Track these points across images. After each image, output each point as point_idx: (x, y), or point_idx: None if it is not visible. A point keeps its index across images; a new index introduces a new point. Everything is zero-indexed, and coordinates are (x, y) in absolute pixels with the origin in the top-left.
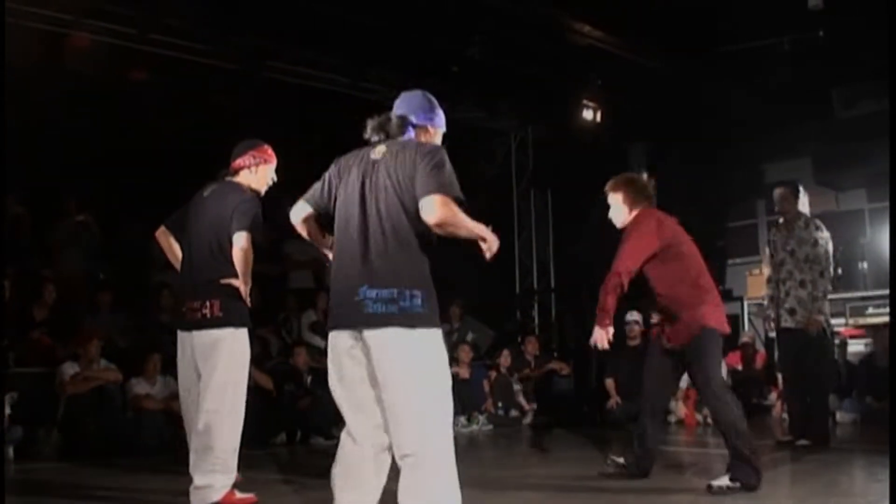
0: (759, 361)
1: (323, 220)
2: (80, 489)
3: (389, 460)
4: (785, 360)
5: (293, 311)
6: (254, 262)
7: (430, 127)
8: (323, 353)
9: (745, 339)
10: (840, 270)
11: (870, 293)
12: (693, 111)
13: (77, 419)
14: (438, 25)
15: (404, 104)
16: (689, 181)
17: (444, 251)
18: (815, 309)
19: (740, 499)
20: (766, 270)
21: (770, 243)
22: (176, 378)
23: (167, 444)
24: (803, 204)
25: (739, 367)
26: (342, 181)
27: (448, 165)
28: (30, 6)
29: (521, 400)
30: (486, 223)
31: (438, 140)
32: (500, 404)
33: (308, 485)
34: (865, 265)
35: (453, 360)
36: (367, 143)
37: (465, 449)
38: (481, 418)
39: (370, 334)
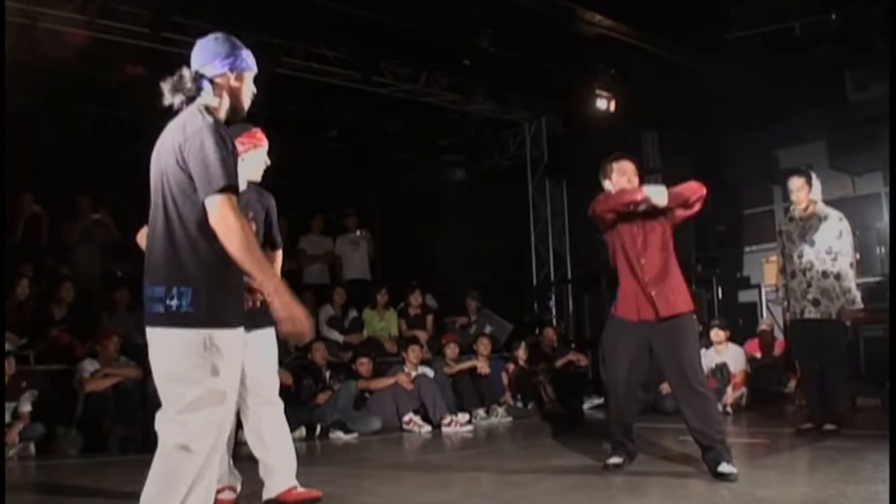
0: (778, 349)
1: None
2: (100, 486)
3: None
4: (804, 351)
5: (310, 307)
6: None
7: (229, 73)
8: (341, 347)
9: (763, 326)
10: (858, 255)
11: (887, 277)
12: (706, 98)
13: (97, 416)
14: (450, 18)
15: (197, 55)
16: (704, 168)
17: (458, 244)
18: (849, 300)
19: (759, 486)
20: (779, 260)
21: (782, 233)
22: None
23: None
24: (817, 191)
25: (758, 355)
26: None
27: (213, 142)
28: (42, 6)
29: (543, 392)
30: (502, 215)
31: (249, 84)
32: (518, 396)
33: (327, 479)
34: (883, 249)
35: (472, 353)
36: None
37: (485, 441)
38: (500, 411)
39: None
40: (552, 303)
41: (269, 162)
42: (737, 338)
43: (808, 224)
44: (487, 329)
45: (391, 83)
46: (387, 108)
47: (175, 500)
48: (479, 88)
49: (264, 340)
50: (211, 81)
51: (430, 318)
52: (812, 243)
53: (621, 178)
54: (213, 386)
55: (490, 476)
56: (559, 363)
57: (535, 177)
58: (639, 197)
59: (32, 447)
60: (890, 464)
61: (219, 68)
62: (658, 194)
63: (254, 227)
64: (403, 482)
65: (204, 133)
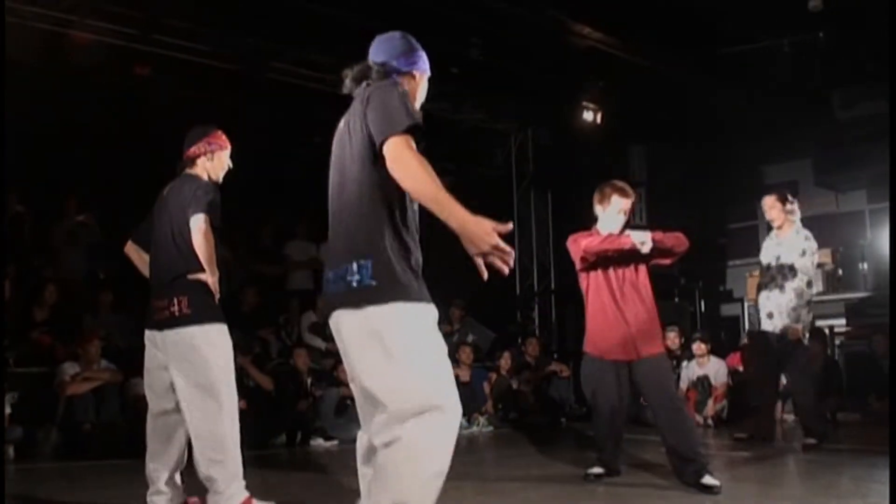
0: None
1: None
2: (79, 489)
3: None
4: (757, 361)
5: (293, 313)
6: (256, 263)
7: (415, 72)
8: (323, 354)
9: (745, 340)
10: (840, 271)
11: (870, 294)
12: (693, 113)
13: (77, 419)
14: (439, 27)
15: (382, 49)
16: (690, 182)
17: (443, 251)
18: (795, 317)
19: (740, 499)
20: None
21: (763, 248)
22: None
23: None
24: (793, 210)
25: (740, 368)
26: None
27: (397, 94)
28: (31, 5)
29: (525, 402)
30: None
31: (425, 87)
32: (500, 406)
33: (307, 486)
34: (866, 266)
35: (454, 362)
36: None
37: (466, 450)
38: (482, 420)
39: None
40: (535, 313)
41: (231, 165)
42: (719, 351)
43: (780, 241)
44: (470, 338)
45: None
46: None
47: None
48: (467, 98)
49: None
50: (398, 74)
51: None
52: (777, 258)
53: (618, 214)
54: None
55: (471, 485)
56: (542, 373)
57: (520, 187)
58: (626, 246)
59: (11, 450)
60: (890, 465)
61: (403, 65)
62: (644, 242)
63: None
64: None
65: (387, 86)
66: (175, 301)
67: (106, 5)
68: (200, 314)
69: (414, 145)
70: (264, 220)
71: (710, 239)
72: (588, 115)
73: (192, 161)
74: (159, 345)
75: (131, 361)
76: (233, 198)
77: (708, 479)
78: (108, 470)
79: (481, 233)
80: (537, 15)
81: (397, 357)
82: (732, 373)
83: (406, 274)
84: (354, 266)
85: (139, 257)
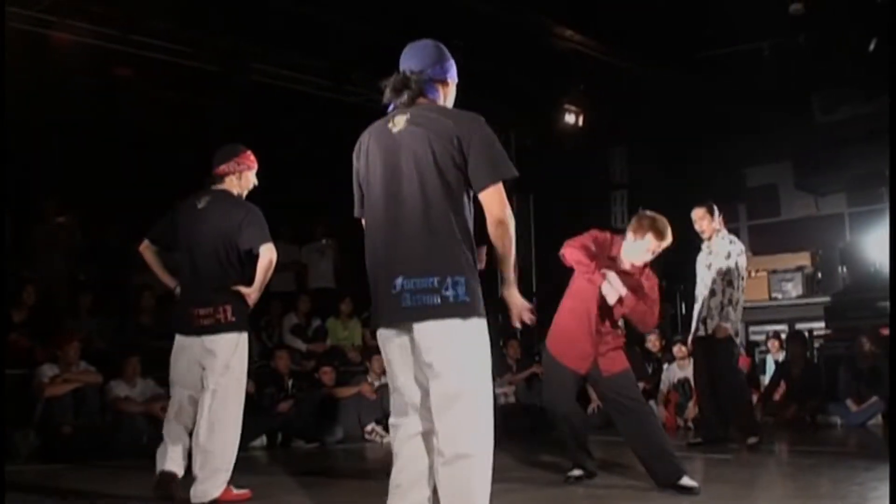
0: (741, 365)
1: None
2: (57, 491)
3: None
4: (698, 368)
5: (275, 315)
6: None
7: (448, 80)
8: (304, 356)
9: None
10: (820, 274)
11: (849, 297)
12: (674, 115)
13: (55, 421)
14: (421, 29)
15: (416, 57)
16: (670, 185)
17: None
18: (723, 316)
19: (718, 500)
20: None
21: (697, 262)
22: (157, 381)
23: (146, 446)
24: (717, 220)
25: None
26: (365, 165)
27: (496, 138)
28: (11, 6)
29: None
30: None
31: (454, 93)
32: None
33: (288, 488)
34: (845, 269)
35: None
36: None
37: None
38: None
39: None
40: None
41: (256, 183)
42: None
43: (710, 251)
44: None
45: (362, 92)
46: (357, 118)
47: None
48: None
49: None
50: (439, 83)
51: None
52: (709, 266)
53: (645, 252)
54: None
55: None
56: (522, 376)
57: None
58: (594, 283)
59: None
60: (890, 465)
61: (439, 73)
62: (611, 294)
63: None
64: (365, 491)
65: (482, 124)
66: (221, 309)
67: (86, 5)
68: (241, 322)
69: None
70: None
71: (690, 241)
72: (570, 118)
73: (222, 178)
74: (193, 349)
75: (110, 363)
76: None
77: (686, 481)
78: (88, 472)
79: (522, 307)
80: (519, 18)
81: (485, 366)
82: None
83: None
84: (449, 281)
85: (152, 257)
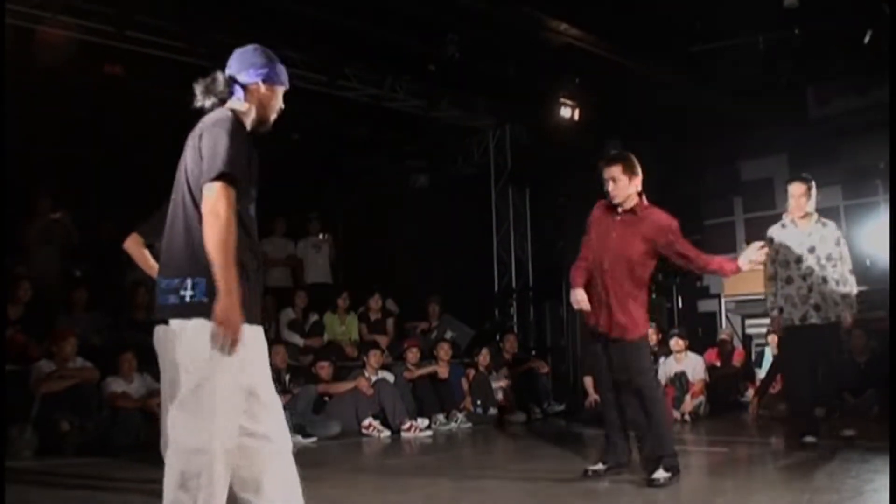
0: (737, 358)
1: None
2: (55, 487)
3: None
4: (800, 357)
5: (270, 310)
6: None
7: (262, 84)
8: (301, 351)
9: (723, 336)
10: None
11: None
12: (669, 109)
13: (52, 417)
14: (416, 24)
15: (235, 62)
16: (666, 179)
17: (421, 250)
18: (848, 305)
19: (717, 493)
20: (769, 268)
21: (773, 241)
22: (153, 376)
23: (143, 442)
24: (813, 200)
25: (718, 364)
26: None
27: (227, 139)
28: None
29: (503, 399)
30: (465, 221)
31: (278, 99)
32: (478, 402)
33: None
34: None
35: (432, 359)
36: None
37: (444, 446)
38: (460, 416)
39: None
40: (513, 310)
41: None
42: (696, 347)
43: (806, 231)
44: (448, 335)
45: (356, 87)
46: (351, 113)
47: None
48: (444, 95)
49: None
50: (244, 88)
51: (390, 323)
52: (812, 250)
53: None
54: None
55: (449, 481)
56: (520, 370)
57: (498, 184)
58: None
59: None
60: (890, 465)
61: (253, 77)
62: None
63: None
64: (362, 487)
65: (223, 124)
66: None
67: (77, 2)
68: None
69: (231, 193)
70: None
71: (686, 235)
72: (565, 112)
73: None
74: None
75: (107, 359)
76: None
77: (659, 473)
78: (84, 467)
79: (236, 324)
80: (514, 12)
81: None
82: (710, 369)
83: None
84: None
85: (139, 252)
